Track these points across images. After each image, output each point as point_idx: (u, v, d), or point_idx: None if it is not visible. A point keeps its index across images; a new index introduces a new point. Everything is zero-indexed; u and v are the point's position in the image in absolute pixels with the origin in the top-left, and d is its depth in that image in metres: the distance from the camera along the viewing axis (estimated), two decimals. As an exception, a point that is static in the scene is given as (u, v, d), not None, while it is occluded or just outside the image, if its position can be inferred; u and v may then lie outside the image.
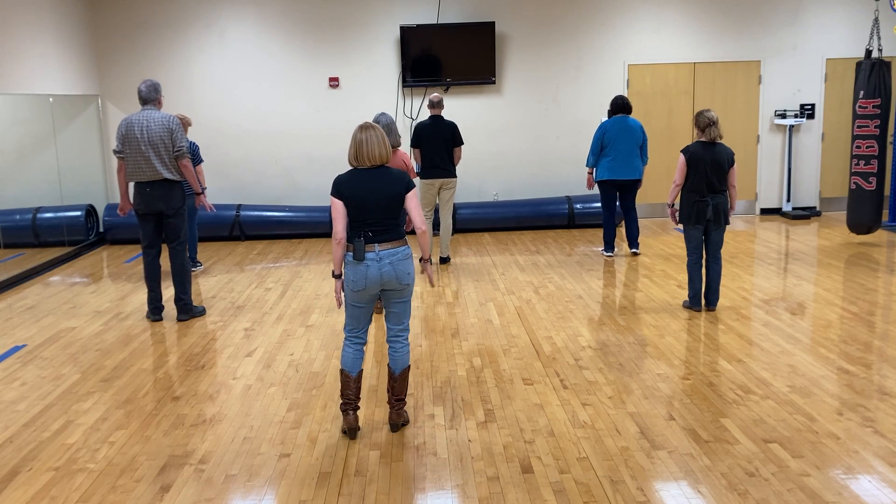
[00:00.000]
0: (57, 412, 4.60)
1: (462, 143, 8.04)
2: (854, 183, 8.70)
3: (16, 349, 5.84)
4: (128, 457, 3.99)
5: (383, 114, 6.23)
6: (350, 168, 4.02)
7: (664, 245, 9.00)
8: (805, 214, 10.56)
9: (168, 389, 4.92)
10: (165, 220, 6.29)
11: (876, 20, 8.61)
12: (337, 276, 4.04)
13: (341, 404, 4.14)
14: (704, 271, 6.28)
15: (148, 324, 6.40)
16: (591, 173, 8.31)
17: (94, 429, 4.35)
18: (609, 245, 8.47)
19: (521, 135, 10.67)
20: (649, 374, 4.90)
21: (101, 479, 3.75)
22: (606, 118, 8.24)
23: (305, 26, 10.34)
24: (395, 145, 6.30)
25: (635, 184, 8.24)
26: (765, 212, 10.99)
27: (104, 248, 9.91)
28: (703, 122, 6.02)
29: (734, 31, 10.54)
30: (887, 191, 9.56)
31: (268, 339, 5.92)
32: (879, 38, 8.67)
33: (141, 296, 7.30)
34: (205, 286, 7.64)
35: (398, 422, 4.18)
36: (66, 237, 9.40)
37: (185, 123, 7.91)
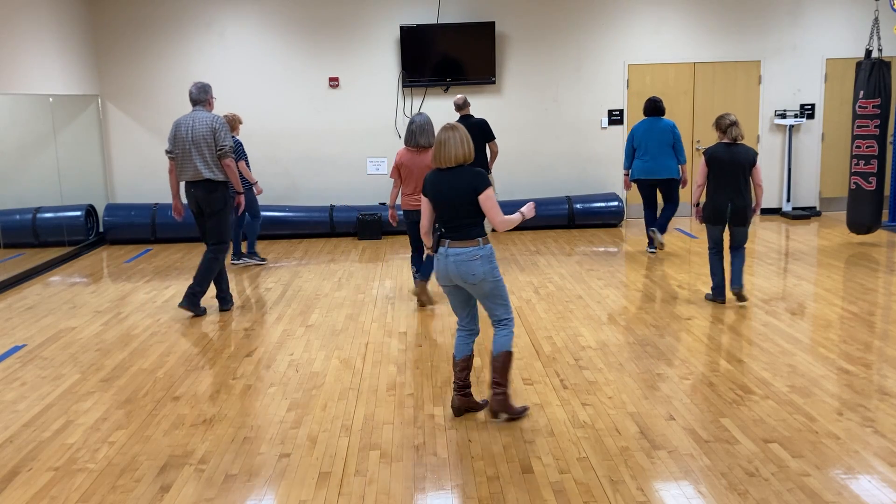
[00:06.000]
0: (57, 412, 4.60)
1: (494, 137, 8.23)
2: (854, 183, 8.70)
3: (16, 349, 5.84)
4: (128, 457, 3.99)
5: (420, 114, 6.39)
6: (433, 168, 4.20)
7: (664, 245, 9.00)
8: (805, 214, 10.56)
9: (168, 389, 4.92)
10: (208, 218, 6.44)
11: (876, 20, 8.61)
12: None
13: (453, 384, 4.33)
14: (728, 262, 6.43)
15: (148, 324, 6.40)
16: (627, 175, 8.43)
17: (94, 429, 4.35)
18: (651, 241, 8.58)
19: (521, 135, 10.67)
20: (649, 374, 4.90)
21: (101, 479, 3.76)
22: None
23: (305, 26, 10.34)
24: (431, 146, 6.38)
25: (671, 182, 8.29)
26: (765, 212, 10.99)
27: (104, 248, 9.91)
28: (725, 124, 6.16)
29: (734, 31, 10.54)
30: (887, 191, 9.55)
31: (268, 339, 5.92)
32: (879, 38, 8.66)
33: (141, 295, 7.31)
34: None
35: (496, 409, 4.23)
36: (66, 237, 9.40)
37: (235, 122, 8.17)
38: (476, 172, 4.08)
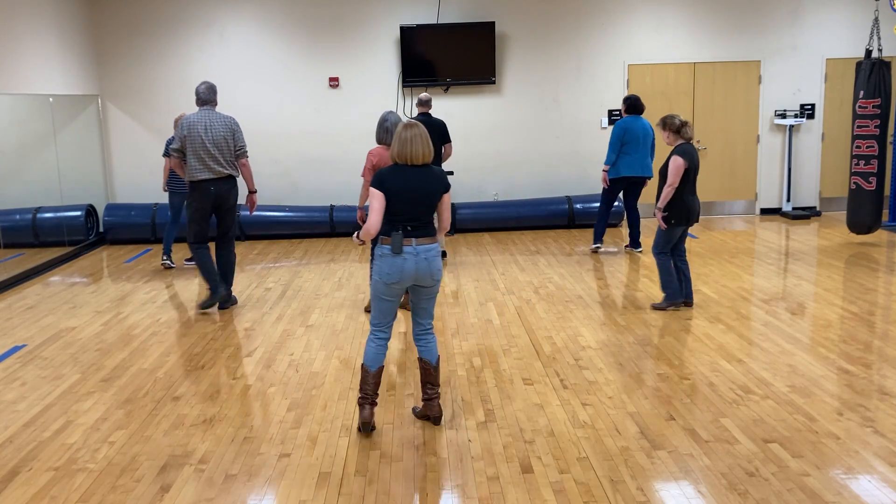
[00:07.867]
0: (57, 412, 4.60)
1: (451, 140, 8.21)
2: (854, 183, 8.70)
3: (16, 349, 5.84)
4: (128, 457, 3.99)
5: (392, 112, 6.24)
6: (391, 164, 4.07)
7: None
8: (805, 214, 10.56)
9: (168, 389, 4.92)
10: (225, 213, 6.63)
11: (876, 20, 8.61)
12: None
13: (359, 398, 4.16)
14: (675, 268, 6.39)
15: (148, 324, 6.40)
16: (608, 170, 8.44)
17: (94, 429, 4.35)
18: (599, 237, 8.70)
19: (521, 135, 10.67)
20: (649, 374, 4.90)
21: (101, 479, 3.76)
22: (623, 116, 8.44)
23: (305, 26, 10.34)
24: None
25: (644, 182, 8.41)
26: (765, 212, 10.99)
27: (104, 248, 9.91)
28: (677, 124, 6.09)
29: (734, 31, 10.54)
30: (887, 191, 9.55)
31: (268, 339, 5.92)
32: (879, 38, 8.66)
33: (141, 295, 7.31)
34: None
35: (440, 414, 4.23)
36: (66, 237, 9.40)
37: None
38: (442, 171, 4.16)
